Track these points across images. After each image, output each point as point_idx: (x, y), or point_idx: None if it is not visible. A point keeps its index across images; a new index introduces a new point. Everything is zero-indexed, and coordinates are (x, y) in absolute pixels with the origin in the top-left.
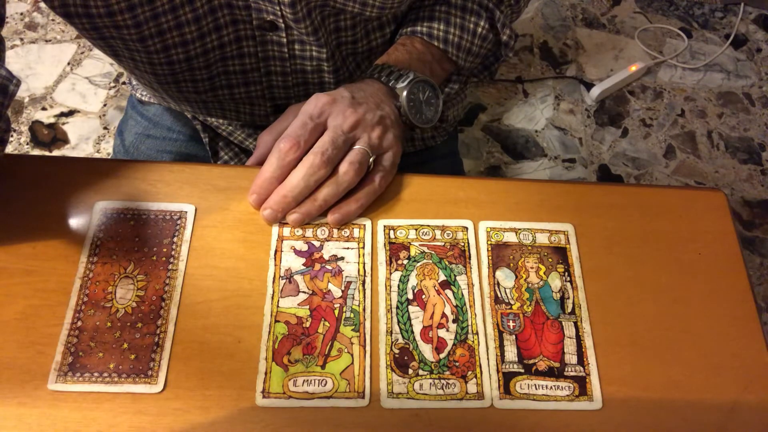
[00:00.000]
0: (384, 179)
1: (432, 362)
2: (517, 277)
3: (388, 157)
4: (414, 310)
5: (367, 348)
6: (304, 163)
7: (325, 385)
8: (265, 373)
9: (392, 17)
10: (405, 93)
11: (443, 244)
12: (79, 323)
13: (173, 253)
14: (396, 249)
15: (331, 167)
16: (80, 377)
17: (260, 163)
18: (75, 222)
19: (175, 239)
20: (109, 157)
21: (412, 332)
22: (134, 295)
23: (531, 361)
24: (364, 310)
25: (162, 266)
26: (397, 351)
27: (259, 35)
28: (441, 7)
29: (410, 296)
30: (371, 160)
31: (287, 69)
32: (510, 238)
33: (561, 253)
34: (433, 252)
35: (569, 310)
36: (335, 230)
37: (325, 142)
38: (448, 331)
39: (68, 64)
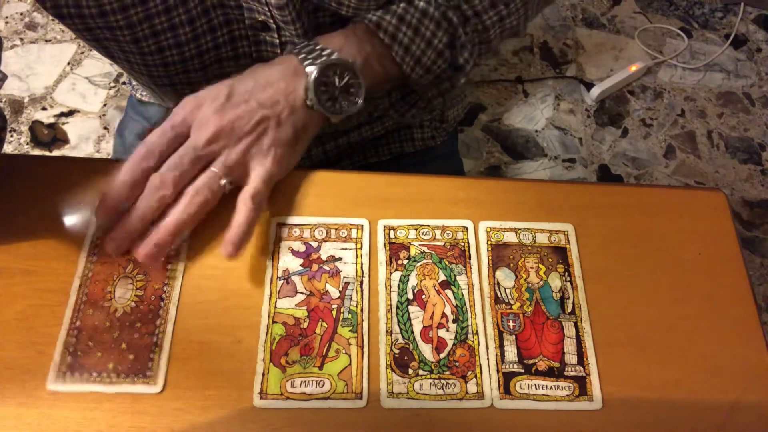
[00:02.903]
0: (254, 201)
1: (432, 362)
2: (517, 277)
3: (257, 173)
4: (414, 310)
5: (365, 349)
6: (147, 186)
7: (323, 386)
8: (263, 374)
9: None
10: (315, 74)
11: (443, 244)
12: (78, 323)
13: (172, 253)
14: (396, 249)
15: (173, 188)
16: (79, 377)
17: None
18: (75, 222)
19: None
20: (109, 157)
21: (412, 332)
22: (133, 295)
23: (531, 361)
24: (362, 311)
25: (162, 266)
26: (397, 351)
27: (252, 35)
28: (400, 3)
29: (410, 296)
30: (224, 182)
31: None
32: (510, 238)
33: (561, 253)
34: (433, 252)
35: (569, 310)
36: (333, 231)
37: (168, 163)
38: (448, 331)
39: (68, 64)
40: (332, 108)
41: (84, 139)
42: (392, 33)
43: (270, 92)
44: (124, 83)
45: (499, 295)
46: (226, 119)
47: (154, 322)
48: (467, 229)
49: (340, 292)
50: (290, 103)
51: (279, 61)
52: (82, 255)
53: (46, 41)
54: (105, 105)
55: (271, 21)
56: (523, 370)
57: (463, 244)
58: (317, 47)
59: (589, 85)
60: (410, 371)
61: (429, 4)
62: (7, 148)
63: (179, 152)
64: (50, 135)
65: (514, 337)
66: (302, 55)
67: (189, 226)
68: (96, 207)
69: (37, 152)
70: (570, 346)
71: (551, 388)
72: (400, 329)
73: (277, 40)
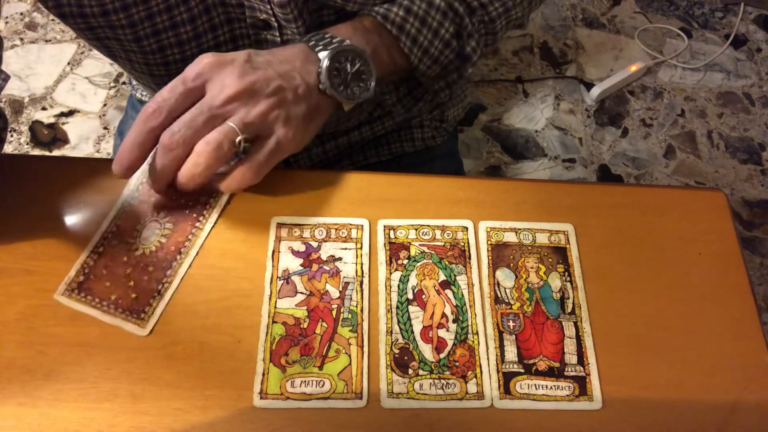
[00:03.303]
0: (256, 167)
1: (432, 362)
2: (517, 277)
3: (270, 141)
4: (414, 310)
5: (365, 349)
6: (159, 141)
7: (323, 386)
8: (263, 374)
9: None
10: (328, 60)
11: (443, 244)
12: (101, 249)
13: (204, 213)
14: (396, 249)
15: (183, 148)
16: (84, 298)
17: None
18: (75, 222)
19: (211, 200)
20: (109, 157)
21: (412, 332)
22: (156, 240)
23: (531, 361)
24: (361, 311)
25: (191, 222)
26: (397, 351)
27: (253, 34)
28: None
29: (410, 296)
30: (240, 139)
31: None
32: (510, 238)
33: (561, 253)
34: (433, 252)
35: (569, 310)
36: (333, 231)
37: (180, 120)
38: (448, 331)
39: (68, 64)
40: (345, 93)
41: (84, 139)
42: (399, 24)
43: (287, 67)
44: (124, 83)
45: (499, 295)
46: (247, 80)
47: (165, 272)
48: (467, 229)
49: (340, 292)
50: (306, 82)
51: (290, 46)
52: (126, 190)
53: (46, 41)
54: (105, 105)
55: (273, 19)
56: (523, 370)
57: (463, 244)
58: (327, 35)
59: (589, 85)
60: (410, 371)
61: None
62: (7, 148)
63: (194, 110)
64: (50, 135)
65: (514, 337)
66: (312, 42)
67: (198, 182)
68: (113, 167)
69: (37, 152)
70: (570, 346)
71: (551, 388)
72: (400, 329)
73: (279, 39)
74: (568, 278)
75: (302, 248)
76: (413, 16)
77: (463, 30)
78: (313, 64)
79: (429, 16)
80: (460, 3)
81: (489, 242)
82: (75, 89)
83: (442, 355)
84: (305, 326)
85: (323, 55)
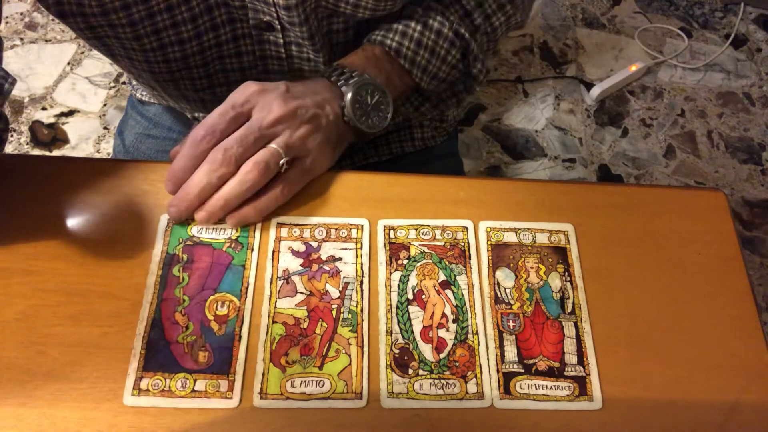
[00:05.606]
0: (289, 187)
1: (432, 362)
2: (517, 277)
3: (305, 162)
4: (414, 310)
5: (365, 349)
6: (208, 158)
7: (323, 386)
8: (263, 374)
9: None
10: (350, 93)
11: (443, 244)
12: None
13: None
14: (396, 249)
15: (235, 166)
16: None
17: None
18: (75, 222)
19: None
20: (109, 157)
21: (412, 332)
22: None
23: (531, 361)
24: (362, 311)
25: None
26: (397, 351)
27: (256, 34)
28: (416, 25)
29: (410, 296)
30: (283, 161)
31: (285, 68)
32: (510, 238)
33: (561, 253)
34: (433, 252)
35: (569, 310)
36: (333, 231)
37: (233, 138)
38: (448, 331)
39: (68, 64)
40: (366, 123)
41: (84, 139)
42: (411, 58)
43: (318, 98)
44: (124, 83)
45: (499, 295)
46: (290, 105)
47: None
48: (467, 229)
49: (340, 292)
50: (334, 111)
51: (315, 80)
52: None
53: (46, 41)
54: (105, 105)
55: (277, 22)
56: (523, 370)
57: (463, 244)
58: (345, 70)
59: (589, 85)
60: (410, 371)
61: (443, 25)
62: (7, 148)
63: (244, 130)
64: (50, 135)
65: (514, 337)
66: (333, 77)
67: (241, 199)
68: (166, 186)
69: (37, 152)
70: (570, 346)
71: (551, 388)
72: (400, 329)
73: (281, 41)
74: (568, 278)
75: (302, 248)
76: (423, 48)
77: (469, 54)
78: (338, 98)
79: (438, 46)
80: (465, 26)
81: (489, 242)
82: (75, 89)
83: (442, 355)
84: (305, 326)
85: (346, 89)
